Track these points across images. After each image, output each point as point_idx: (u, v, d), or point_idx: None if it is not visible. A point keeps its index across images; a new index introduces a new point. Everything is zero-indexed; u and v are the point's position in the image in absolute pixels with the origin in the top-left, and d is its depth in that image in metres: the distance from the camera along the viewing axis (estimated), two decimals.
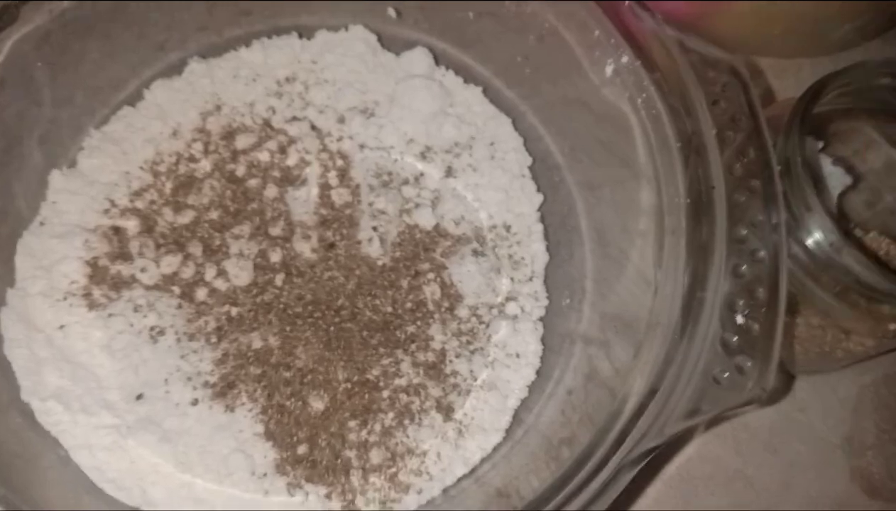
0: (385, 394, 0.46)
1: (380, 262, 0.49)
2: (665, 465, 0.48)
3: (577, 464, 0.36)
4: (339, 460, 0.44)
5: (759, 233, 0.38)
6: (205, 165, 0.50)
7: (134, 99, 0.51)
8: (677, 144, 0.40)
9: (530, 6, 0.46)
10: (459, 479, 0.45)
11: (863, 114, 0.50)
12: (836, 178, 0.51)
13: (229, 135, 0.51)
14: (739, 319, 0.36)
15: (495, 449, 0.46)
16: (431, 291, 0.48)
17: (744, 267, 0.37)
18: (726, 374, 0.35)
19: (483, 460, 0.46)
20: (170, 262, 0.47)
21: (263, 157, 0.50)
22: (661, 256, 0.42)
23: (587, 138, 0.49)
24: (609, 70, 0.43)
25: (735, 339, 0.36)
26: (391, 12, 0.52)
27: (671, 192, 0.40)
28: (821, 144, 0.50)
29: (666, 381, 0.36)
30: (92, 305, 0.46)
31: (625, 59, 0.42)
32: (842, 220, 0.51)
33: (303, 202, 0.50)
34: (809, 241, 0.40)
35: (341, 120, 0.51)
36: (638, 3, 0.42)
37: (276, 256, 0.48)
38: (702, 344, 0.36)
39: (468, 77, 0.53)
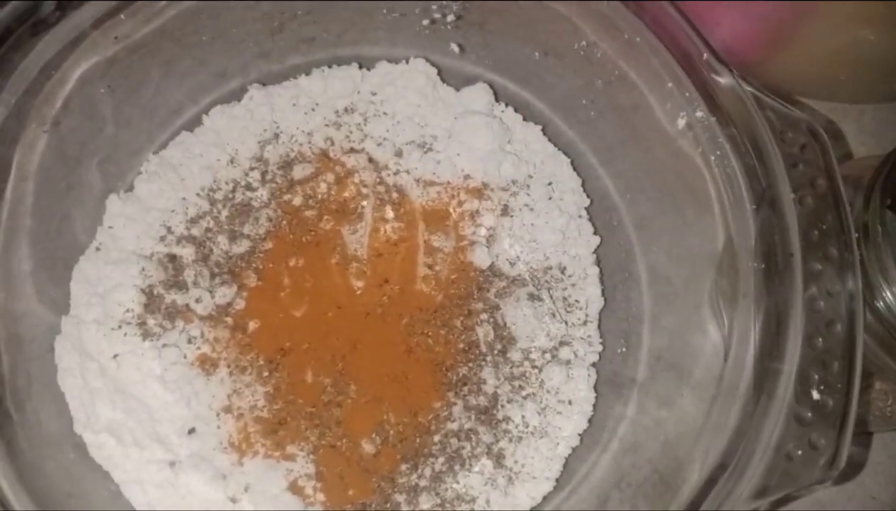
0: (436, 438, 0.45)
1: (433, 301, 0.48)
2: None
3: None
4: (389, 504, 0.44)
5: (835, 302, 0.37)
6: (262, 194, 0.49)
7: (192, 124, 0.51)
8: (752, 206, 0.39)
9: (600, 50, 0.45)
10: None
11: None
12: None
13: (287, 164, 0.50)
14: (815, 395, 0.35)
15: (545, 498, 0.45)
16: (484, 333, 0.48)
17: (819, 339, 0.36)
18: (799, 451, 0.35)
19: (533, 510, 0.45)
20: (224, 293, 0.47)
21: (320, 188, 0.50)
22: (723, 315, 0.41)
23: (650, 183, 0.48)
24: (682, 123, 0.42)
25: (809, 414, 0.35)
26: (454, 47, 0.52)
27: (743, 253, 0.39)
28: None
29: (738, 455, 0.35)
30: (146, 335, 0.45)
31: (699, 113, 0.41)
32: None
33: (358, 236, 0.49)
34: (885, 311, 0.39)
35: (399, 153, 0.51)
36: (715, 57, 0.41)
37: (330, 291, 0.47)
38: (776, 417, 0.35)
39: (528, 115, 0.52)
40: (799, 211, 0.38)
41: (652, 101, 0.44)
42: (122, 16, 0.44)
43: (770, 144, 0.39)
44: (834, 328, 0.37)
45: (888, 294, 0.39)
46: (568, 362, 0.48)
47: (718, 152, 0.41)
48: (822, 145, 0.39)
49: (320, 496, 0.43)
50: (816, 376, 0.36)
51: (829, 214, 0.38)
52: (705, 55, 0.41)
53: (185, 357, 0.45)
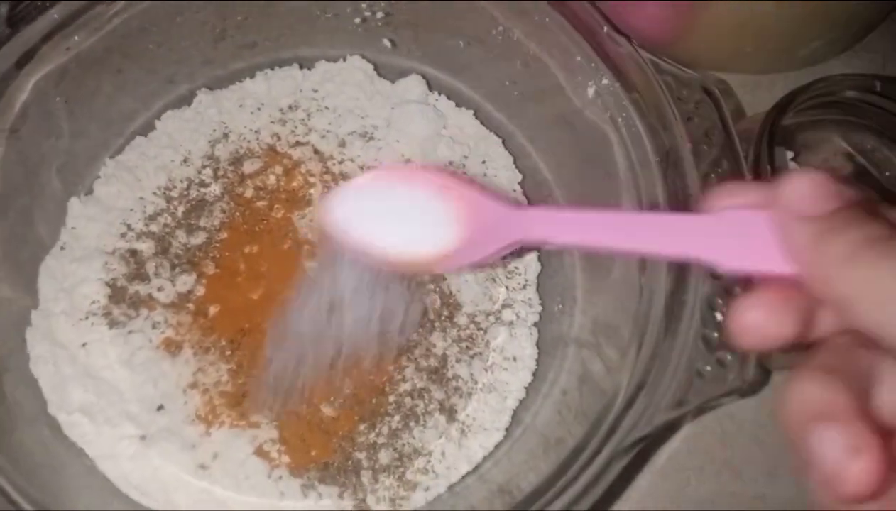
0: (391, 398, 0.48)
1: None
2: (656, 457, 0.50)
3: (572, 457, 0.39)
4: (350, 462, 0.47)
5: None
6: (215, 189, 0.53)
7: (146, 129, 0.54)
8: (656, 158, 0.44)
9: (515, 34, 0.50)
10: (464, 477, 0.48)
11: (830, 124, 0.53)
12: None
13: (237, 160, 0.54)
14: (719, 317, 0.39)
15: (497, 447, 0.49)
16: (432, 301, 0.51)
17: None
18: (708, 368, 0.39)
19: (485, 458, 0.48)
20: (184, 281, 0.50)
21: (270, 180, 0.53)
22: (645, 264, 0.45)
23: (572, 155, 0.52)
24: (591, 92, 0.47)
25: (715, 335, 0.39)
26: (386, 43, 0.56)
27: (652, 202, 0.44)
28: (791, 154, 0.54)
29: (652, 376, 0.39)
30: (112, 323, 0.48)
31: (605, 81, 0.46)
32: None
33: (308, 221, 0.53)
34: None
35: (342, 144, 0.55)
36: (614, 29, 0.45)
37: (284, 273, 0.51)
38: (684, 340, 0.39)
39: (460, 101, 0.56)
40: (696, 160, 0.43)
41: (564, 76, 0.48)
42: (73, 29, 0.48)
43: (668, 103, 0.44)
44: None
45: None
46: (511, 323, 0.52)
47: (624, 115, 0.45)
48: (714, 100, 0.44)
49: (285, 458, 0.46)
50: (720, 301, 0.40)
51: (724, 160, 0.43)
52: (605, 28, 0.45)
53: (150, 341, 0.48)
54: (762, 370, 0.51)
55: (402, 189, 0.34)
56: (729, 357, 0.39)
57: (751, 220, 0.29)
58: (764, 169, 0.44)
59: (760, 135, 0.44)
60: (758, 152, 0.44)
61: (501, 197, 0.35)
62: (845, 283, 0.25)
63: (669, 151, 0.43)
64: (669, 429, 0.48)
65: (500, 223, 0.34)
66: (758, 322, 0.27)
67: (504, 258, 0.53)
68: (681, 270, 0.41)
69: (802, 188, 0.28)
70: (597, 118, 0.47)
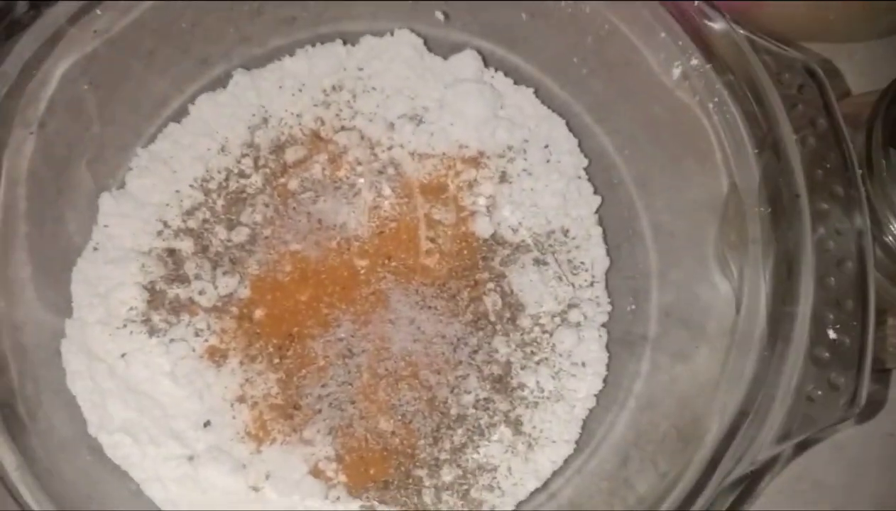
0: (453, 411, 0.45)
1: (439, 274, 0.48)
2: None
3: (667, 488, 0.35)
4: (411, 479, 0.44)
5: (844, 241, 0.37)
6: (256, 181, 0.49)
7: (180, 115, 0.50)
8: (754, 150, 0.39)
9: (589, 6, 0.45)
10: (532, 494, 0.45)
11: None
12: None
13: (278, 148, 0.50)
14: (831, 334, 0.35)
15: (566, 462, 0.45)
16: (492, 302, 0.47)
17: (830, 278, 0.36)
18: (819, 392, 0.34)
19: (555, 474, 0.45)
20: (227, 283, 0.46)
21: (314, 169, 0.49)
22: (731, 265, 0.41)
23: (650, 141, 0.47)
24: (677, 72, 0.42)
25: (827, 354, 0.35)
26: (438, 14, 0.51)
27: (749, 199, 0.39)
28: None
29: (758, 402, 0.35)
30: (152, 331, 0.45)
31: (694, 61, 0.41)
32: None
33: (357, 215, 0.49)
34: (894, 245, 0.39)
35: (391, 128, 0.50)
36: (707, 2, 0.40)
37: (333, 272, 0.47)
38: (794, 361, 0.35)
39: (519, 79, 0.51)
40: (801, 151, 0.38)
41: (645, 53, 0.44)
42: (99, 10, 0.44)
43: (768, 87, 0.39)
44: (845, 266, 0.36)
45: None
46: (578, 324, 0.48)
47: (716, 99, 0.40)
48: (819, 84, 0.39)
49: (342, 477, 0.43)
50: (831, 316, 0.35)
51: (831, 153, 0.38)
52: (696, 1, 0.40)
53: (193, 350, 0.45)
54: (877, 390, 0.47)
55: None
56: (842, 379, 0.35)
57: None
58: (877, 162, 0.39)
59: (871, 123, 0.39)
60: (870, 144, 0.39)
61: None
62: None
63: (769, 141, 0.39)
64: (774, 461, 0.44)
65: None
66: None
67: (569, 251, 0.49)
68: (785, 277, 0.37)
69: None
70: (686, 101, 0.42)
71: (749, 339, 0.37)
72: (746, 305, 0.38)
